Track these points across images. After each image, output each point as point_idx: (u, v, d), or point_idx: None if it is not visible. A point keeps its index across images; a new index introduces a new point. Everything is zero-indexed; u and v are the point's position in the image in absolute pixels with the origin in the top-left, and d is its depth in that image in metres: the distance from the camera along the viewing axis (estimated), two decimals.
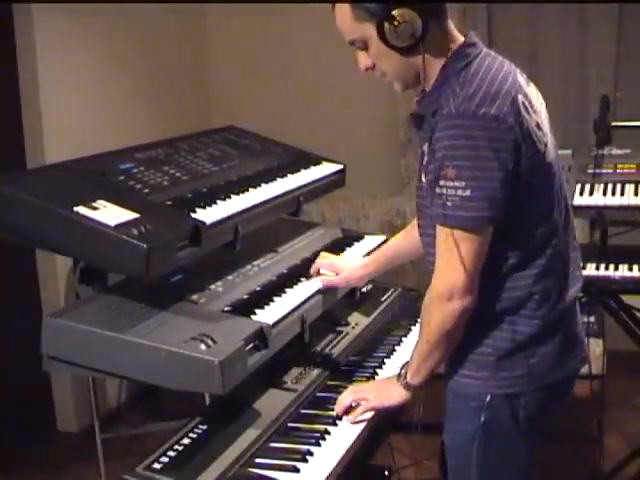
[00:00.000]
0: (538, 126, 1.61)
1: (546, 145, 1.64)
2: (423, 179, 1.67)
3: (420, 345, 1.71)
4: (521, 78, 1.65)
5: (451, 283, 1.59)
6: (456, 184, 1.53)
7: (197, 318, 1.71)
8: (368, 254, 2.27)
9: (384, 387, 1.82)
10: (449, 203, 1.54)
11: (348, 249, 2.37)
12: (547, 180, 1.65)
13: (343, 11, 1.63)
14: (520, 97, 1.58)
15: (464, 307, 1.60)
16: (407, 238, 2.10)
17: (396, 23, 1.56)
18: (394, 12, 1.56)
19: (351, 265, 2.14)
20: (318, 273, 2.10)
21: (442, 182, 1.55)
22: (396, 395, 1.77)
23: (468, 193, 1.52)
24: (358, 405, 1.81)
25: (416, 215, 1.79)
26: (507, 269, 1.63)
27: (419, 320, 2.29)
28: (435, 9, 1.61)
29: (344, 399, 1.82)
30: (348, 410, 1.81)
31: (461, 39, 1.66)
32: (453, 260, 1.57)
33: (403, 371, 1.77)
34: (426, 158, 1.62)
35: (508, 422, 1.67)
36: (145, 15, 4.16)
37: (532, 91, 1.67)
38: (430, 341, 1.67)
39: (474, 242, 1.56)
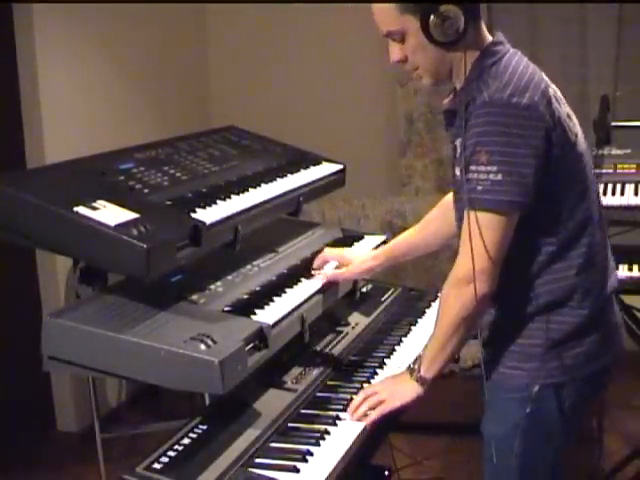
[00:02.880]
0: (569, 116, 1.67)
1: (577, 135, 1.68)
2: (457, 172, 1.69)
3: (437, 334, 1.71)
4: (546, 77, 1.70)
5: (471, 268, 1.59)
6: (488, 168, 1.56)
7: (197, 318, 1.71)
8: (376, 248, 2.25)
9: (396, 385, 1.79)
10: (479, 187, 1.57)
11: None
12: (579, 169, 1.68)
13: (386, 2, 1.66)
14: (550, 90, 1.64)
15: (484, 292, 1.62)
16: (420, 234, 2.11)
17: (442, 18, 1.61)
18: (441, 7, 1.60)
19: (360, 257, 2.14)
20: (323, 266, 2.10)
21: (474, 167, 1.58)
22: (410, 392, 1.75)
23: (500, 177, 1.55)
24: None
25: (454, 212, 1.80)
26: (548, 260, 1.66)
27: (420, 320, 2.31)
28: (475, 8, 1.67)
29: (357, 405, 1.77)
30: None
31: (490, 38, 1.72)
32: (477, 245, 1.59)
33: (416, 366, 1.76)
34: (459, 150, 1.65)
35: (553, 411, 1.69)
36: (145, 15, 4.16)
37: (556, 88, 1.72)
38: (449, 328, 1.67)
39: (500, 228, 1.59)
